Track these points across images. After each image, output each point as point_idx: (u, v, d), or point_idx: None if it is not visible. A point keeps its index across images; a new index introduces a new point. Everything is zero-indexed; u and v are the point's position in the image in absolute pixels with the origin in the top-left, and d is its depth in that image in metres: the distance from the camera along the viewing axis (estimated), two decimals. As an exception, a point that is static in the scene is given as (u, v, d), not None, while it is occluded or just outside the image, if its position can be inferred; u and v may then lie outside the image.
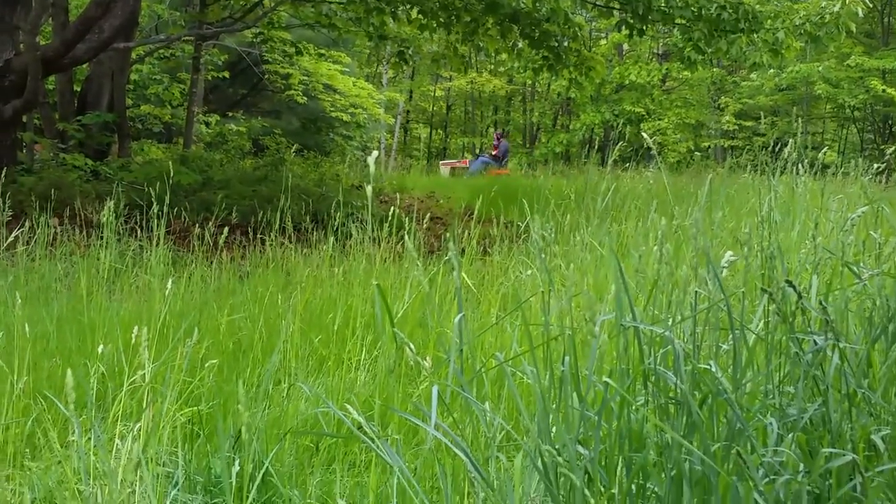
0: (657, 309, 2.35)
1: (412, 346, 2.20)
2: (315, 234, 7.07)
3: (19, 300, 3.73)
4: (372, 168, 2.18)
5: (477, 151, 36.03)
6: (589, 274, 4.98)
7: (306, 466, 3.37)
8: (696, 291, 2.09)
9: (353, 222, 6.24)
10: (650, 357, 2.15)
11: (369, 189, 2.14)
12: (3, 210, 6.06)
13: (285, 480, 3.18)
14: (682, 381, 2.06)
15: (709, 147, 34.42)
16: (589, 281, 4.82)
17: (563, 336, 2.19)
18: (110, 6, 11.85)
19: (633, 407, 2.18)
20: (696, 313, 2.11)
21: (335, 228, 6.10)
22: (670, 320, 2.21)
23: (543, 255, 2.28)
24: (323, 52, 22.44)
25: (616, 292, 2.08)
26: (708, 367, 2.06)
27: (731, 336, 2.10)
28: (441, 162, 28.50)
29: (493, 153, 27.58)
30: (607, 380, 2.01)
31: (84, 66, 15.14)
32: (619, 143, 4.20)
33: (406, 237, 2.25)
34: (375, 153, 2.26)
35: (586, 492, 1.79)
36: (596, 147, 32.45)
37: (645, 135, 3.18)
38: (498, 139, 28.59)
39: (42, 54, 11.59)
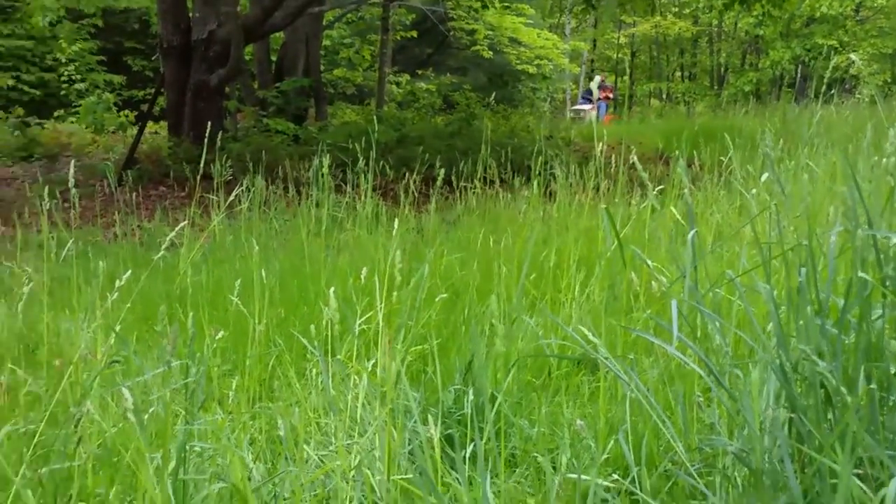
0: (893, 220, 2.33)
1: (650, 261, 2.25)
2: (517, 180, 7.15)
3: (256, 247, 3.94)
4: (595, 92, 2.22)
5: (576, 95, 33.27)
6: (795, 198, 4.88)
7: (535, 397, 3.46)
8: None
9: (554, 167, 6.29)
10: (888, 266, 2.13)
11: (592, 114, 2.17)
12: (222, 172, 6.34)
13: (515, 411, 3.28)
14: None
15: (908, 77, 32.82)
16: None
17: (799, 247, 2.19)
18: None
19: (873, 319, 2.17)
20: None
21: (538, 173, 6.17)
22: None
23: (775, 168, 2.27)
24: (508, 3, 22.43)
25: (850, 199, 2.06)
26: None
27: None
28: (579, 107, 26.37)
29: (609, 96, 26.03)
30: (863, 275, 1.99)
31: (279, 34, 15.62)
32: (833, 63, 4.08)
33: (635, 160, 2.28)
34: (598, 77, 2.29)
35: (842, 389, 1.81)
36: (794, 83, 31.25)
37: (854, 56, 3.11)
38: (604, 80, 26.68)
39: (243, 23, 12.03)
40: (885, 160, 2.44)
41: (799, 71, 31.41)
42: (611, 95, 26.12)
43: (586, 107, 25.71)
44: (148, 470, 2.03)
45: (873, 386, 2.00)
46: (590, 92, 26.33)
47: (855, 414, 2.05)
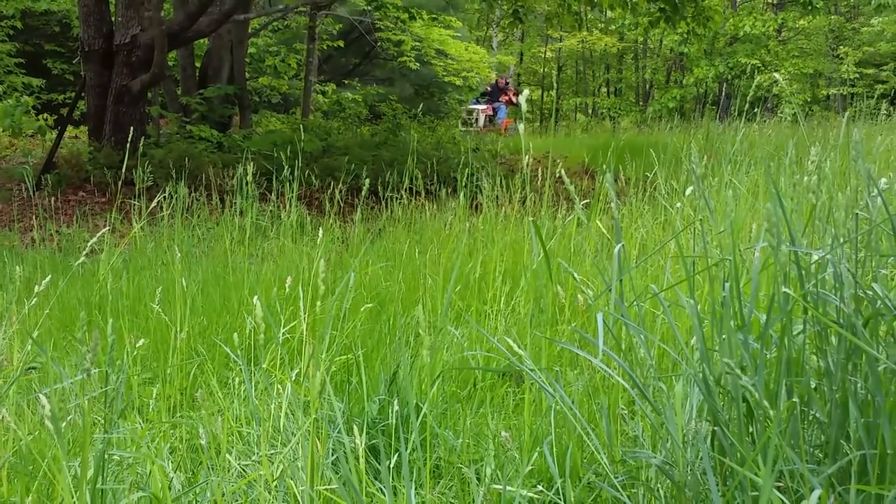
0: (814, 237, 2.36)
1: (576, 274, 2.25)
2: (443, 192, 7.16)
3: (178, 254, 3.88)
4: (524, 105, 2.22)
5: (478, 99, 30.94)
6: (719, 215, 4.96)
7: (460, 408, 3.46)
8: (856, 213, 2.09)
9: (481, 179, 6.31)
10: (809, 283, 2.16)
11: (521, 127, 2.18)
12: (144, 178, 6.25)
13: (440, 422, 3.27)
14: (844, 304, 2.07)
15: (828, 96, 33.52)
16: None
17: (722, 263, 2.22)
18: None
19: (794, 334, 2.20)
20: (859, 235, 2.11)
21: (464, 185, 6.19)
22: (828, 245, 2.21)
23: (700, 184, 2.30)
24: (435, 15, 22.46)
25: (773, 215, 2.09)
26: (872, 289, 2.06)
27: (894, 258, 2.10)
28: (472, 107, 25.07)
29: (512, 99, 24.34)
30: (786, 289, 2.02)
31: (204, 40, 15.47)
32: (756, 82, 4.16)
33: (562, 173, 2.29)
34: (527, 91, 2.29)
35: (765, 403, 1.82)
36: (717, 101, 31.76)
37: (777, 75, 3.15)
38: (506, 82, 25.77)
39: (167, 28, 11.89)
40: (806, 178, 2.48)
41: (722, 89, 31.93)
42: (514, 100, 24.61)
43: (479, 107, 24.68)
44: (65, 478, 1.99)
45: (795, 400, 2.03)
46: (486, 94, 25.44)
47: (776, 427, 2.08)
